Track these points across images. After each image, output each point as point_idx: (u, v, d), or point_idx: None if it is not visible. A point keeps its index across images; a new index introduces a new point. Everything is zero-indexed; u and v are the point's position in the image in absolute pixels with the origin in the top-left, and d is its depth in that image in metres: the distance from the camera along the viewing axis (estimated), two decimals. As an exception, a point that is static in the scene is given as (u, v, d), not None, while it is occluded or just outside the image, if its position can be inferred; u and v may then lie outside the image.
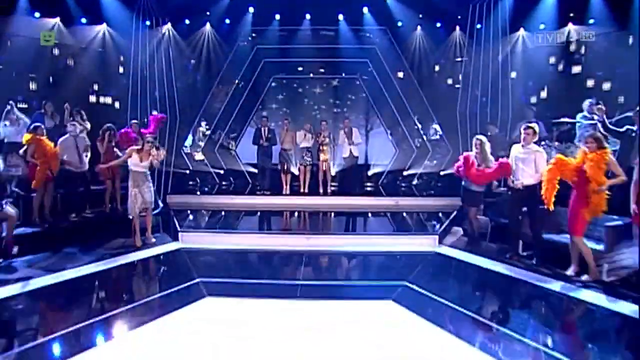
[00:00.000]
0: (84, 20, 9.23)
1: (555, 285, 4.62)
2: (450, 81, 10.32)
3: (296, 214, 8.04)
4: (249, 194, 9.17)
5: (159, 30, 9.51)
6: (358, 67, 10.53)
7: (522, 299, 4.61)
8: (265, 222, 7.77)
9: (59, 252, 5.63)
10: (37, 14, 8.68)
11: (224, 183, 10.17)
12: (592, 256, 4.66)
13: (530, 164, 5.28)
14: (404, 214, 8.05)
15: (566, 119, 6.60)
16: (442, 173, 9.88)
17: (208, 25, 10.29)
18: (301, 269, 5.20)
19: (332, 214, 8.11)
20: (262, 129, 8.93)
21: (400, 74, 10.52)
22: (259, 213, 8.07)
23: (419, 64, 10.40)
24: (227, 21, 10.36)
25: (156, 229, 6.70)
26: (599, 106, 6.03)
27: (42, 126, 6.34)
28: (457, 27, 9.88)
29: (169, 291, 4.44)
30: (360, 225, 7.71)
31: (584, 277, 4.68)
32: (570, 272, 4.84)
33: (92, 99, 9.78)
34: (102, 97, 9.93)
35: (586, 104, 6.31)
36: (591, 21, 8.43)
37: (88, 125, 7.45)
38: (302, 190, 8.98)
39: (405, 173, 10.31)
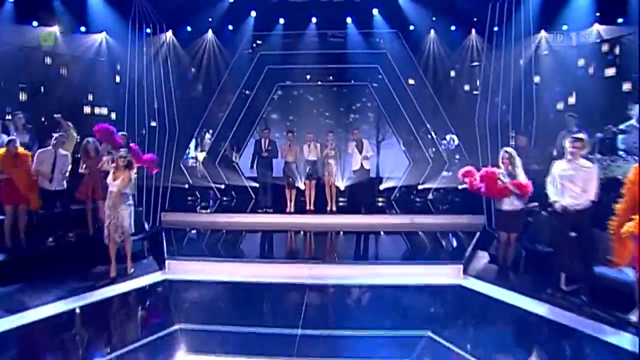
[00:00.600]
0: (83, 28, 8.99)
1: (621, 339, 3.64)
2: (467, 87, 9.85)
3: (300, 235, 7.32)
4: (250, 211, 8.44)
5: (159, 37, 9.05)
6: (368, 73, 9.99)
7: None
8: (265, 247, 7.02)
9: (26, 285, 4.93)
10: (35, 23, 8.39)
11: (225, 199, 9.49)
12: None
13: (579, 183, 4.45)
14: (420, 233, 7.26)
15: (611, 127, 5.74)
16: (460, 187, 9.06)
17: (210, 32, 9.86)
18: (301, 310, 4.36)
19: (340, 235, 7.35)
20: (263, 140, 8.28)
21: (413, 81, 9.93)
22: (259, 234, 7.37)
23: (433, 69, 9.84)
24: (230, 27, 9.94)
25: (141, 254, 6.00)
26: None
27: (17, 140, 5.78)
28: (474, 30, 9.38)
29: (138, 344, 3.64)
30: (372, 249, 6.92)
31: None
32: (635, 318, 3.92)
33: (87, 109, 9.37)
34: (98, 108, 9.59)
35: (636, 110, 5.45)
36: (620, 20, 7.66)
37: (74, 133, 6.83)
38: (308, 207, 8.23)
39: (420, 187, 9.59)
